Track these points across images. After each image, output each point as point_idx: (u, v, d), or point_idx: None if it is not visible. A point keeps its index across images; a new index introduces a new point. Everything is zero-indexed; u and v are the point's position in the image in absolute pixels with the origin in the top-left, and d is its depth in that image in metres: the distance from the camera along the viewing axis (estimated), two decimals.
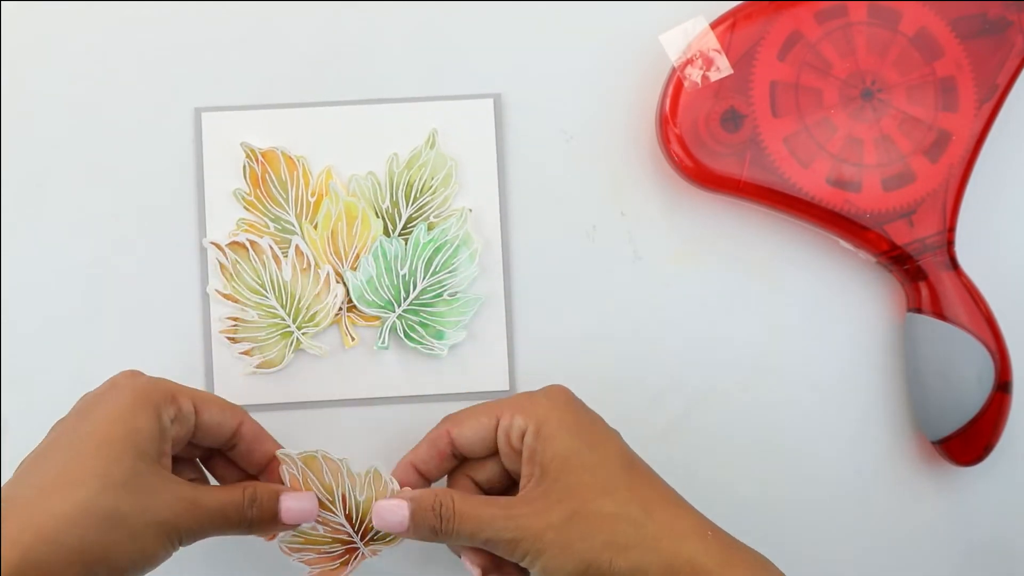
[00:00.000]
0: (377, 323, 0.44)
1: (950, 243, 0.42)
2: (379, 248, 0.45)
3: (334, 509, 0.40)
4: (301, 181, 0.45)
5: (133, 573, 0.33)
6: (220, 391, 0.44)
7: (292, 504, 0.37)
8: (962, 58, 0.42)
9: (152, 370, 0.39)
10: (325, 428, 0.44)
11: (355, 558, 0.41)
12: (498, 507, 0.35)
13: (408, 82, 0.46)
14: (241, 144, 0.45)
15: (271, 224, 0.45)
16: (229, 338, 0.44)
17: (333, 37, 0.46)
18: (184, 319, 0.44)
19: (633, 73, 0.45)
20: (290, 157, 0.45)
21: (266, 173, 0.45)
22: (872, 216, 0.42)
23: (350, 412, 0.44)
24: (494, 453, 0.38)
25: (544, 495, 0.35)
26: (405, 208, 0.45)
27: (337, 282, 0.44)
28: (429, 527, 0.36)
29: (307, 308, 0.44)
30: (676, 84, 0.43)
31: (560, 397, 0.37)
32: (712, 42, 0.43)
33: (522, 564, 0.35)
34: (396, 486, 0.39)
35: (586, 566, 0.34)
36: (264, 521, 0.37)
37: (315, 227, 0.45)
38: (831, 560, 0.43)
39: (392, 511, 0.36)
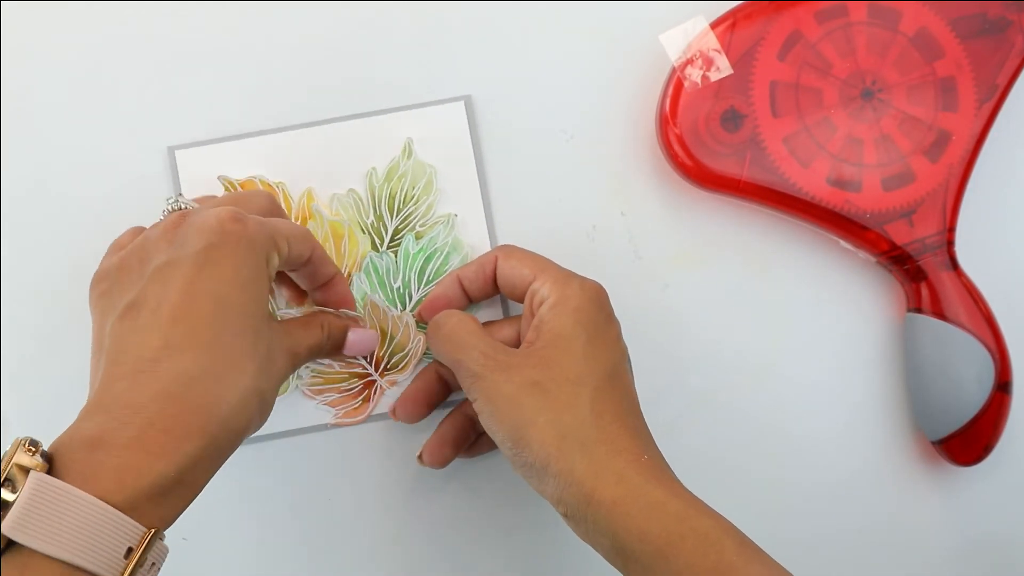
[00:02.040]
0: None
1: (950, 243, 0.43)
2: (370, 264, 0.44)
3: None
4: (283, 207, 0.44)
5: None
6: None
7: (356, 337, 0.41)
8: (962, 58, 0.43)
9: None
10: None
11: (374, 392, 0.44)
12: (482, 343, 0.38)
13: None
14: (219, 177, 0.44)
15: None
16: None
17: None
18: None
19: (633, 73, 0.45)
20: (269, 184, 0.44)
21: None
22: (872, 216, 0.43)
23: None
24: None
25: (524, 356, 0.37)
26: (390, 221, 0.45)
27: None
28: (428, 331, 0.40)
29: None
30: (676, 84, 0.43)
31: (592, 290, 0.39)
32: (712, 42, 0.43)
33: (472, 403, 0.37)
34: (395, 312, 0.44)
35: (520, 435, 0.35)
36: (333, 352, 0.42)
37: None
38: (831, 560, 0.45)
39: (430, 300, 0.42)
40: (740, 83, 0.43)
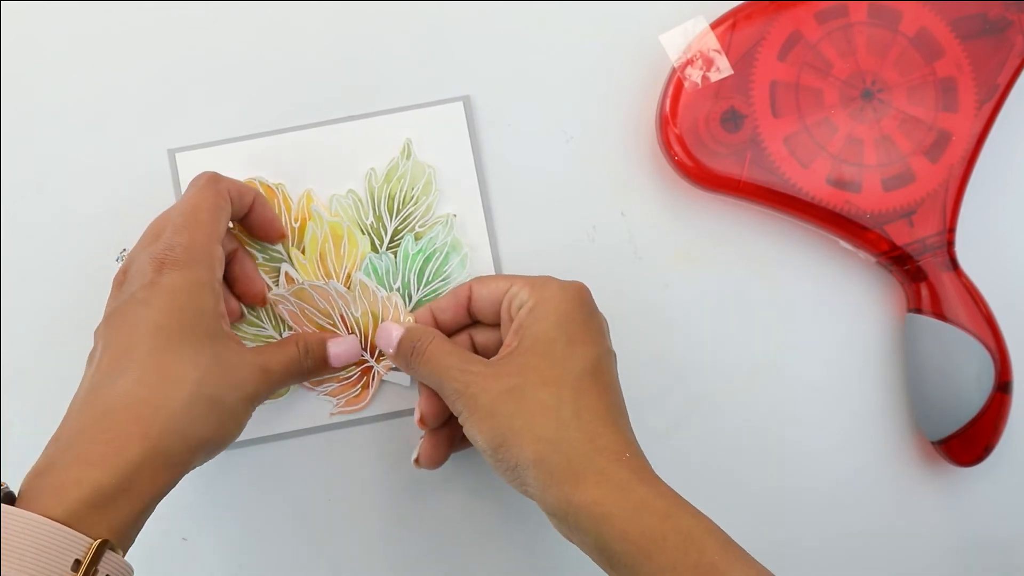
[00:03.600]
0: None
1: (950, 243, 0.44)
2: (369, 265, 0.45)
3: (337, 332, 0.44)
4: (282, 208, 0.45)
5: (229, 444, 0.38)
6: None
7: (338, 350, 0.42)
8: (962, 58, 0.43)
9: None
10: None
11: (372, 379, 0.45)
12: (460, 361, 0.38)
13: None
14: None
15: (259, 255, 0.44)
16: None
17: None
18: None
19: (633, 73, 0.46)
20: (268, 186, 0.45)
21: None
22: (872, 216, 0.44)
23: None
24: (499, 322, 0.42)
25: (502, 365, 0.37)
26: (389, 221, 0.45)
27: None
28: (404, 357, 0.40)
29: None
30: (676, 84, 0.44)
31: (572, 290, 0.39)
32: (712, 42, 0.44)
33: (458, 419, 0.38)
34: (384, 293, 0.44)
35: (500, 441, 0.36)
36: (317, 369, 0.42)
37: (303, 252, 0.45)
38: (831, 560, 0.45)
39: (387, 333, 0.41)
40: (740, 83, 0.43)
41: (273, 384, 0.40)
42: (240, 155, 0.45)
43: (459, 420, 0.38)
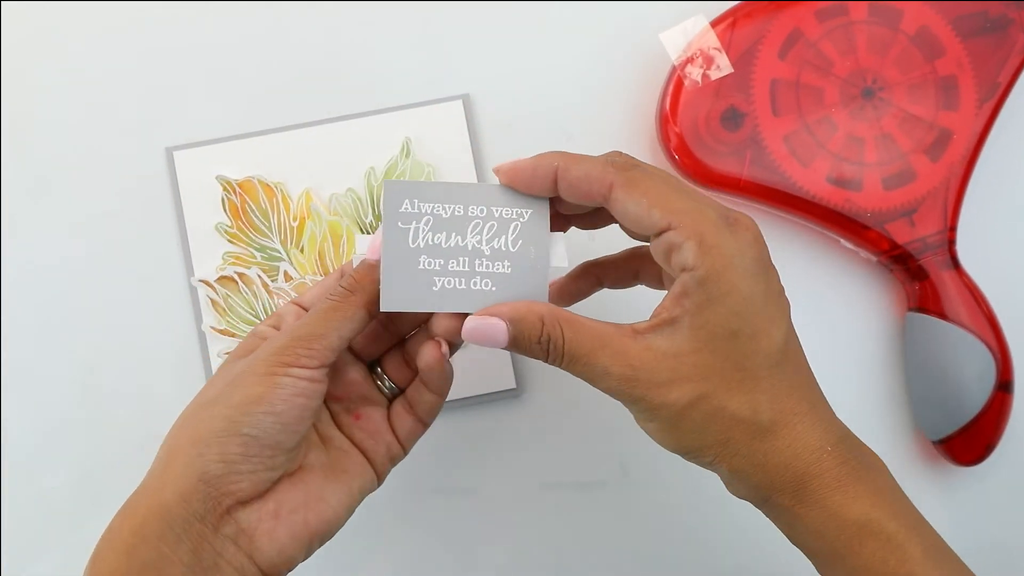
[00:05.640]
0: None
1: (951, 242, 0.44)
2: None
3: None
4: (281, 207, 0.45)
5: None
6: None
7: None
8: (963, 57, 0.44)
9: (155, 413, 0.40)
10: None
11: None
12: (616, 356, 0.32)
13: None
14: (216, 177, 0.45)
15: (257, 254, 0.45)
16: None
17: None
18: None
19: (633, 72, 0.46)
20: (268, 184, 0.45)
21: (245, 203, 0.45)
22: (873, 215, 0.44)
23: None
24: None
25: (675, 358, 0.31)
26: None
27: None
28: (535, 355, 0.33)
29: None
30: (676, 83, 0.44)
31: (749, 257, 0.32)
32: (713, 41, 0.44)
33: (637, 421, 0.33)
34: None
35: (686, 451, 0.33)
36: None
37: (301, 251, 0.45)
38: None
39: (488, 331, 0.33)
40: (740, 82, 0.44)
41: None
42: (239, 154, 0.45)
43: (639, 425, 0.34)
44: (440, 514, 0.45)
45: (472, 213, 0.34)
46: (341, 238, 0.45)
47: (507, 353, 0.46)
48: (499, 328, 0.33)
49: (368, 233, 0.45)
